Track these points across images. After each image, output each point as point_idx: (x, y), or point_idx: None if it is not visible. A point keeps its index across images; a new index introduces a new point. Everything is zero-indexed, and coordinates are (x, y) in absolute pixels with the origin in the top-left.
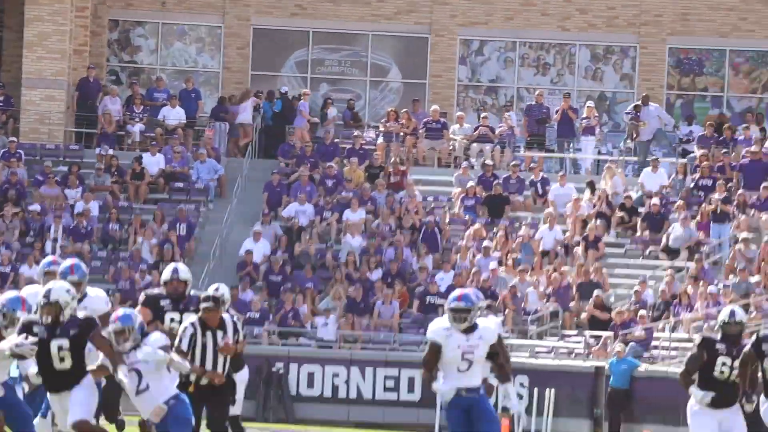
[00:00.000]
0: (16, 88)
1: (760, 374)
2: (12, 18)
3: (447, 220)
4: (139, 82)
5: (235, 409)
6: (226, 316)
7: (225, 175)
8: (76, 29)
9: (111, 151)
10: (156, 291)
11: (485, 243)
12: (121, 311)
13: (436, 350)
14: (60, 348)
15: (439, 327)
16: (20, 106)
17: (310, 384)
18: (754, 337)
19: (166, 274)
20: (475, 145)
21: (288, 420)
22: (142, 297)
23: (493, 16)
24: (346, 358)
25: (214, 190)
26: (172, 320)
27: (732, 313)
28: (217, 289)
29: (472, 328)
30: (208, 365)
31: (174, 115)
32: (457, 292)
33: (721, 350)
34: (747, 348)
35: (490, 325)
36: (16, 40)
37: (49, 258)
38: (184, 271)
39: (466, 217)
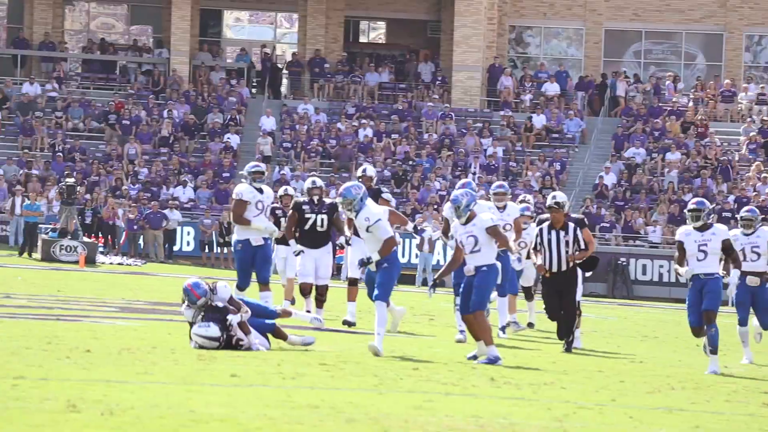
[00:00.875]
0: (449, 72)
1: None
2: (447, 26)
3: (737, 158)
4: (528, 67)
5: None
6: (570, 223)
7: (586, 129)
8: (487, 32)
9: (510, 113)
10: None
11: (764, 174)
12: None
13: (680, 246)
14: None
15: (682, 229)
16: (451, 83)
17: (644, 272)
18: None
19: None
20: (756, 106)
21: (629, 297)
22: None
23: None
24: (669, 255)
25: (579, 139)
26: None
27: None
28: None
29: (706, 227)
30: (554, 256)
31: (552, 88)
32: (695, 199)
33: None
34: None
35: (722, 227)
36: (449, 41)
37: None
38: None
39: (750, 157)
